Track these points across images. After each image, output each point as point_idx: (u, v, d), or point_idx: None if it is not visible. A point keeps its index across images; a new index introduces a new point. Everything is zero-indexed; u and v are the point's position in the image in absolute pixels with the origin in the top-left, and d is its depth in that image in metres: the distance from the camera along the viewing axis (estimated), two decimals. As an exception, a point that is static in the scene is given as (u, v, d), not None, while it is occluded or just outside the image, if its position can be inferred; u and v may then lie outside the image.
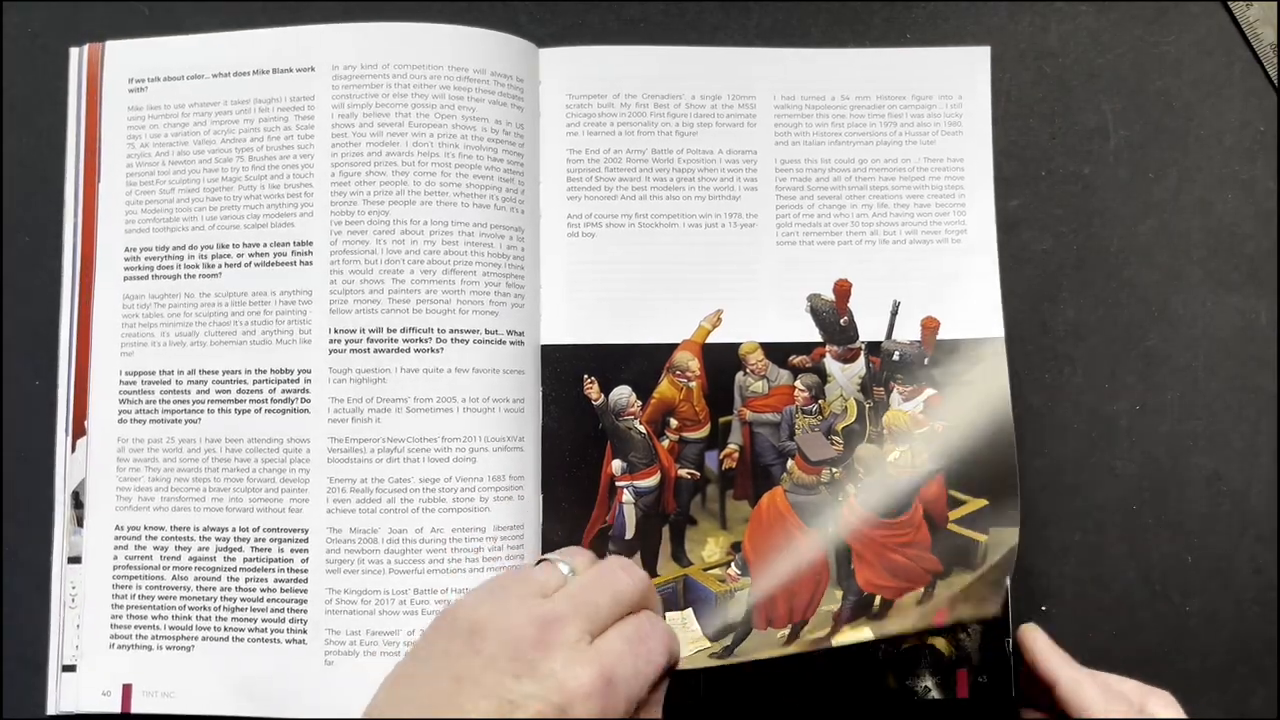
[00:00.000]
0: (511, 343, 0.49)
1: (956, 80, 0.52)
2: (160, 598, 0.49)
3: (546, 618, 0.37)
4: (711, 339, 0.51)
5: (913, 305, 0.51)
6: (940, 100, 0.52)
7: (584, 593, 0.39)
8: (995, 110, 0.52)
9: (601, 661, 0.36)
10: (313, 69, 0.50)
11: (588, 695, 0.35)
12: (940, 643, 0.50)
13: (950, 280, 0.51)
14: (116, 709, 0.48)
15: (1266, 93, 0.53)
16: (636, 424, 0.50)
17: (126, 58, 0.51)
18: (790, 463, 0.50)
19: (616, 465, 0.50)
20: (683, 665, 0.45)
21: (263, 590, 0.48)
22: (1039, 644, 0.48)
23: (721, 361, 0.51)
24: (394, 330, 0.48)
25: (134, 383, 0.50)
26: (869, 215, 0.51)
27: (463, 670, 0.36)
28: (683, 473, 0.51)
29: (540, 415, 0.50)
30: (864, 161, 0.52)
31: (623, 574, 0.41)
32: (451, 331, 0.48)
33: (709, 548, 0.50)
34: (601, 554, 0.49)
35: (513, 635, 0.36)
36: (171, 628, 0.49)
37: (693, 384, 0.50)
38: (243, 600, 0.49)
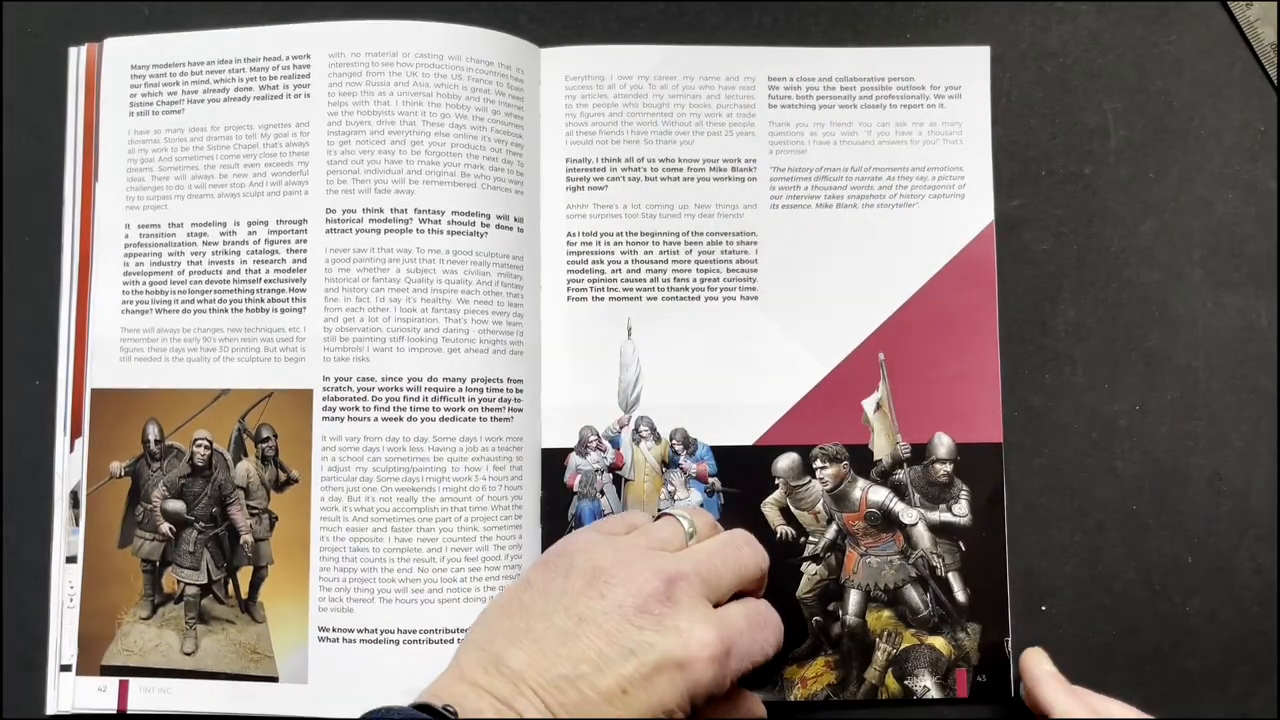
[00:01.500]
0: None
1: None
2: None
3: (671, 574, 0.37)
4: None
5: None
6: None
7: (709, 558, 0.39)
8: (995, 110, 0.52)
9: (724, 630, 0.37)
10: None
11: (710, 658, 0.36)
12: (939, 642, 0.50)
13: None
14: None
15: (1266, 93, 0.53)
16: None
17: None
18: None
19: None
20: None
21: None
22: (1037, 671, 0.48)
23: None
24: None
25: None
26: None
27: (585, 611, 0.36)
28: None
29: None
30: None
31: (747, 549, 0.41)
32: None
33: None
34: None
35: (637, 585, 0.36)
36: None
37: None
38: None
